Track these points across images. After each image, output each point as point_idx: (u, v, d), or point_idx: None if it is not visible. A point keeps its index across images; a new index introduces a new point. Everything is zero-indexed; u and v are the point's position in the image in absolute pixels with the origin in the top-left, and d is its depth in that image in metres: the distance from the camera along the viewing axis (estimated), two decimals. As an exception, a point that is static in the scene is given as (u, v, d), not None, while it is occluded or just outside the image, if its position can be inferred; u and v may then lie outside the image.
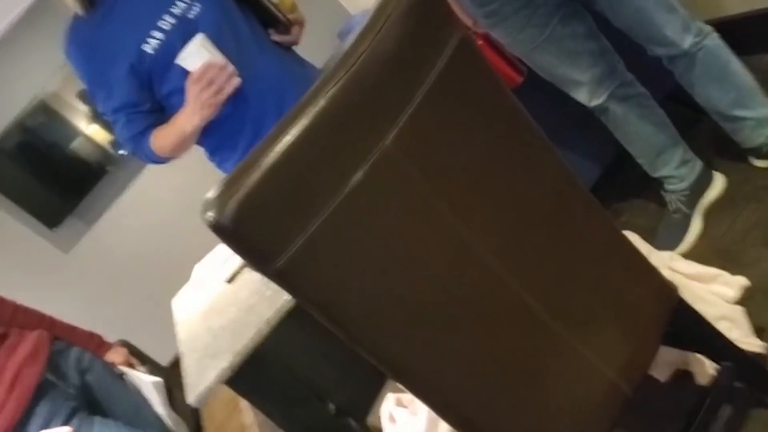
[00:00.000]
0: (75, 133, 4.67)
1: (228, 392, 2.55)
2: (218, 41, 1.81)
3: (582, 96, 1.91)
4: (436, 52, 0.96)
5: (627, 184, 2.26)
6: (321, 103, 0.88)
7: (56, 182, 4.72)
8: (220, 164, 2.03)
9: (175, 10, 1.82)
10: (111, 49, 1.82)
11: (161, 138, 1.90)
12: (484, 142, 1.03)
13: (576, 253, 1.12)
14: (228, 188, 0.85)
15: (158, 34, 1.80)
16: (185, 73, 1.80)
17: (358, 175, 0.90)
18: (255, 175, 0.85)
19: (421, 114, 0.94)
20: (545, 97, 1.91)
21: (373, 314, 0.98)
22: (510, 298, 1.05)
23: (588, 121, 1.98)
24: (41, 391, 1.74)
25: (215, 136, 1.93)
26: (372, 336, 0.99)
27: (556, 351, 1.10)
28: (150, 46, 1.80)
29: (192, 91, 1.78)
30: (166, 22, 1.81)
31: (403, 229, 0.97)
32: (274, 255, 0.87)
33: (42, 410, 1.72)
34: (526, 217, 1.08)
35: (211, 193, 0.86)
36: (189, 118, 1.82)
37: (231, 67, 1.78)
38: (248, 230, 0.86)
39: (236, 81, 1.80)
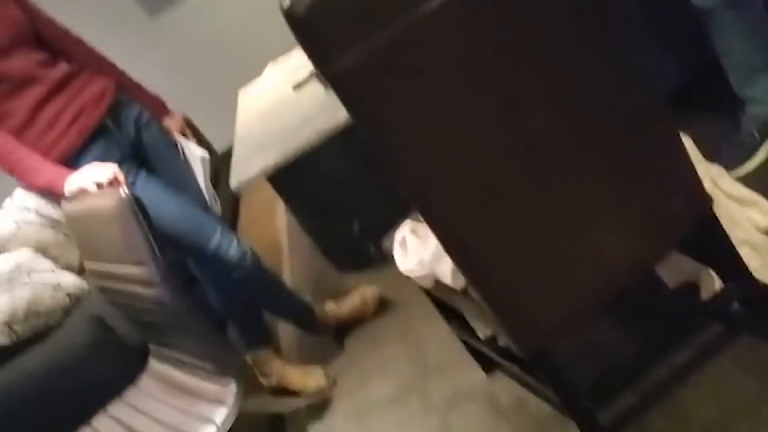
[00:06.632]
0: None
1: (269, 193, 2.69)
2: None
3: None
4: None
5: (709, 95, 2.18)
6: None
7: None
8: None
9: None
10: None
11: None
12: (569, 10, 1.02)
13: (629, 139, 1.13)
14: (308, -19, 0.88)
15: None
16: None
17: (434, 3, 0.92)
18: (335, -26, 0.87)
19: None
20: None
21: (413, 143, 1.02)
22: (550, 163, 1.08)
23: (689, 24, 1.89)
24: (99, 133, 1.86)
25: None
26: (406, 163, 1.03)
27: (575, 225, 1.14)
28: None
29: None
30: None
31: (463, 69, 0.99)
32: (335, 55, 0.91)
33: (97, 148, 1.84)
34: (587, 92, 1.08)
35: (291, -17, 0.88)
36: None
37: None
38: (317, 23, 0.90)
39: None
